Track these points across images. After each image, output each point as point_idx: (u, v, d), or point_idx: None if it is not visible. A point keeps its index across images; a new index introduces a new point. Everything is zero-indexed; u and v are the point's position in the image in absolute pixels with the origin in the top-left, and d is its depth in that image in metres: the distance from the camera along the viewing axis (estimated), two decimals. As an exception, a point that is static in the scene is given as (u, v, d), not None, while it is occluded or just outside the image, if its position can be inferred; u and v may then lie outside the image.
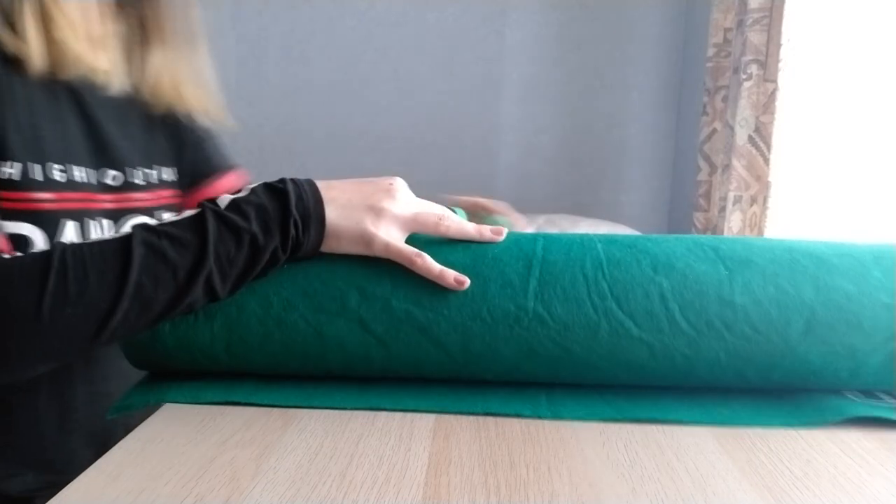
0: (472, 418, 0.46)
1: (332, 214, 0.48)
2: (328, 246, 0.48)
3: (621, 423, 0.45)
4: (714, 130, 1.51)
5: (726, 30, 1.47)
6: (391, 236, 0.48)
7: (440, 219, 0.50)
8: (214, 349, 0.48)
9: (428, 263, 0.47)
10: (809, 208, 1.29)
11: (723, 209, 1.35)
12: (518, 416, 0.46)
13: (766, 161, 1.28)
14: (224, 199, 0.47)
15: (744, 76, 1.28)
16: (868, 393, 0.51)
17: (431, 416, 0.46)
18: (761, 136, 1.28)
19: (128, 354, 0.50)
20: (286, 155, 1.92)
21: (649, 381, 0.48)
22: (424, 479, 0.38)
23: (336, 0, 1.84)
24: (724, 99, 1.45)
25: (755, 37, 1.27)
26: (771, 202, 1.28)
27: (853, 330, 0.45)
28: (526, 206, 1.90)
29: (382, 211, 0.48)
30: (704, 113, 1.53)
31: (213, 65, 0.72)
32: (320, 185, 0.49)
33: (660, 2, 1.80)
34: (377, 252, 0.47)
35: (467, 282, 0.46)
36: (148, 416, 0.46)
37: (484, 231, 0.50)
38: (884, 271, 0.47)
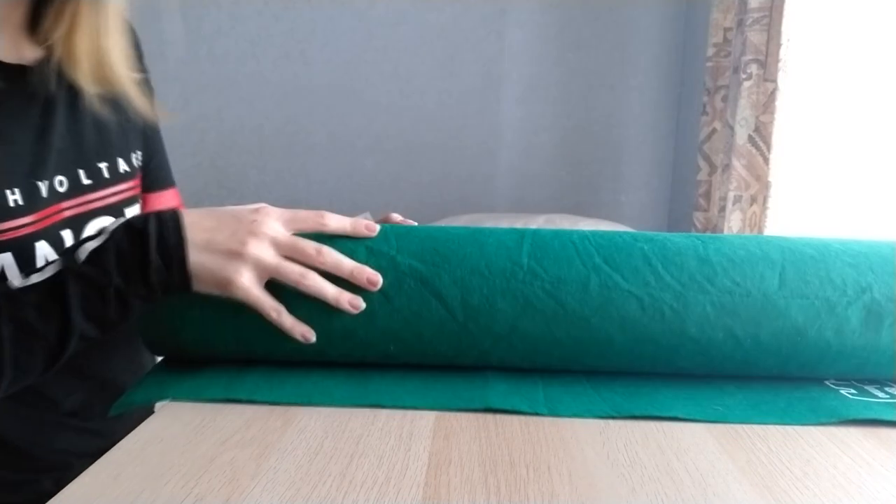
0: (472, 418, 0.46)
1: (194, 258, 0.46)
2: (195, 287, 0.47)
3: (621, 425, 0.45)
4: (714, 130, 1.51)
5: (726, 29, 1.47)
6: (250, 282, 0.47)
7: (303, 272, 0.48)
8: (223, 309, 0.49)
9: (283, 318, 0.48)
10: (809, 208, 1.29)
11: (723, 209, 1.35)
12: (515, 412, 0.46)
13: (766, 161, 1.28)
14: (84, 250, 0.46)
15: (744, 76, 1.28)
16: (863, 389, 0.51)
17: (431, 416, 0.46)
18: (761, 136, 1.28)
19: (142, 326, 0.52)
20: (286, 155, 1.92)
21: (642, 339, 0.49)
22: (424, 479, 0.38)
23: (336, 0, 1.84)
24: (724, 99, 1.45)
25: (755, 36, 1.27)
26: (771, 202, 1.28)
27: (825, 283, 0.49)
28: (526, 206, 1.90)
29: (242, 256, 0.46)
30: (704, 113, 1.53)
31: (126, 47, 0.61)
32: (185, 220, 0.47)
33: (660, 2, 1.80)
34: (237, 297, 0.47)
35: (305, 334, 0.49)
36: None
37: (356, 273, 0.48)
38: (842, 243, 0.52)
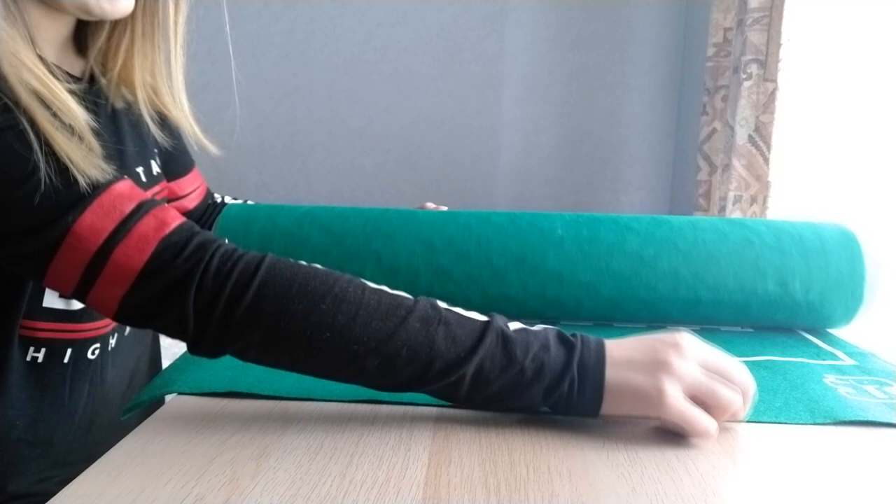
0: (472, 418, 0.46)
1: (612, 374, 0.43)
2: (608, 408, 0.43)
3: (621, 424, 0.45)
4: (714, 130, 1.51)
5: (726, 29, 1.47)
6: (677, 396, 0.42)
7: (732, 398, 0.43)
8: None
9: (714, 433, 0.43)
10: (809, 208, 1.29)
11: (723, 209, 1.35)
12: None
13: (766, 161, 1.28)
14: (516, 324, 0.45)
15: (744, 76, 1.28)
16: (861, 389, 0.51)
17: (431, 416, 0.46)
18: (761, 136, 1.28)
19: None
20: (286, 155, 1.92)
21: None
22: (424, 479, 0.38)
23: (336, 0, 1.84)
24: (724, 99, 1.45)
25: (755, 36, 1.27)
26: (771, 202, 1.28)
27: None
28: (526, 206, 1.90)
29: (668, 366, 0.42)
30: (704, 112, 1.53)
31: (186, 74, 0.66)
32: (608, 344, 0.45)
33: (660, 2, 1.80)
34: (665, 414, 0.42)
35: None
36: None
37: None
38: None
